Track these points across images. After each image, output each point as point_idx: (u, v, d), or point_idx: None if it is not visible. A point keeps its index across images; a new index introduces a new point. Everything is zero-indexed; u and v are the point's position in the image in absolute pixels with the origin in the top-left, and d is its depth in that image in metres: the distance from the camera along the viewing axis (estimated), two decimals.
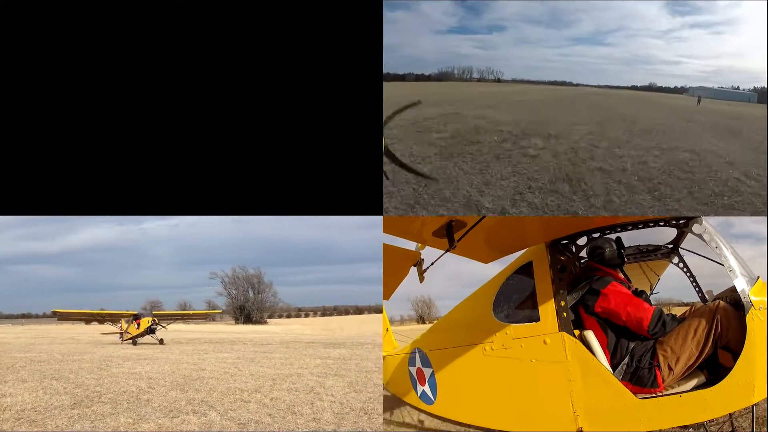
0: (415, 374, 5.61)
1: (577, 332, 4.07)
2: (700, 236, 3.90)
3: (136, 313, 20.66)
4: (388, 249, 5.20)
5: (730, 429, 4.17)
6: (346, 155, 5.26)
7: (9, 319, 70.66)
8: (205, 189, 5.27)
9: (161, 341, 19.21)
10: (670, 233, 5.06)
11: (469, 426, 4.94)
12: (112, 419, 6.07)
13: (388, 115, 5.26)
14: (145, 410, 6.55)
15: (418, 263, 5.34)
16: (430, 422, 5.88)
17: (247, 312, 56.01)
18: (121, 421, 5.99)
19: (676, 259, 5.24)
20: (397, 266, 5.39)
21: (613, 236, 4.35)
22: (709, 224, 3.92)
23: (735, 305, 3.66)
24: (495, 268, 4.93)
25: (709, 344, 3.68)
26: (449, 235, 4.20)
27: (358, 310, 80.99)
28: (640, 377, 3.84)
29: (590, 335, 4.02)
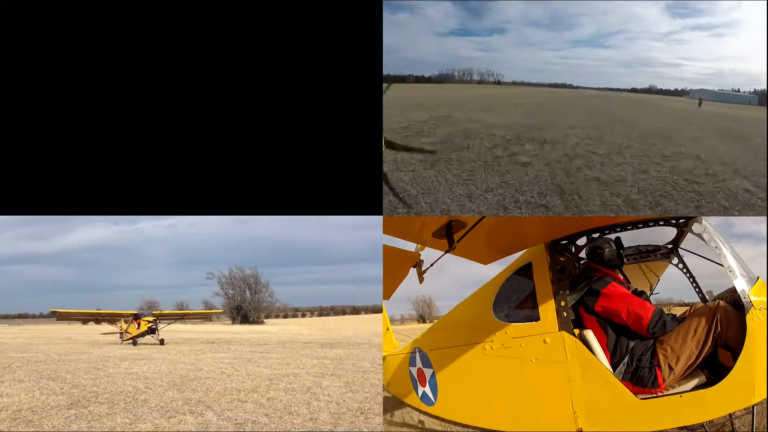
0: (415, 375, 5.60)
1: (577, 332, 4.07)
2: (699, 236, 3.90)
3: (136, 312, 20.44)
4: (387, 250, 5.20)
5: (730, 429, 4.16)
6: (345, 155, 5.25)
7: (5, 319, 70.42)
8: (205, 189, 5.26)
9: (162, 341, 19.01)
10: (670, 233, 5.07)
11: (469, 427, 4.93)
12: (108, 419, 6.05)
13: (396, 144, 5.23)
14: (142, 410, 6.53)
15: (418, 264, 5.34)
16: (430, 423, 5.87)
17: (243, 312, 55.94)
18: (118, 421, 5.97)
19: (675, 260, 5.24)
20: (396, 267, 5.39)
21: (612, 236, 4.34)
22: (708, 224, 3.91)
23: (735, 305, 3.66)
24: (495, 269, 4.93)
25: (709, 343, 3.68)
26: (449, 236, 4.20)
27: (355, 310, 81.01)
28: (641, 377, 3.83)
29: (590, 335, 4.02)
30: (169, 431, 5.60)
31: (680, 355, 3.73)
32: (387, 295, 5.88)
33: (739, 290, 3.58)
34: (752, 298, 3.53)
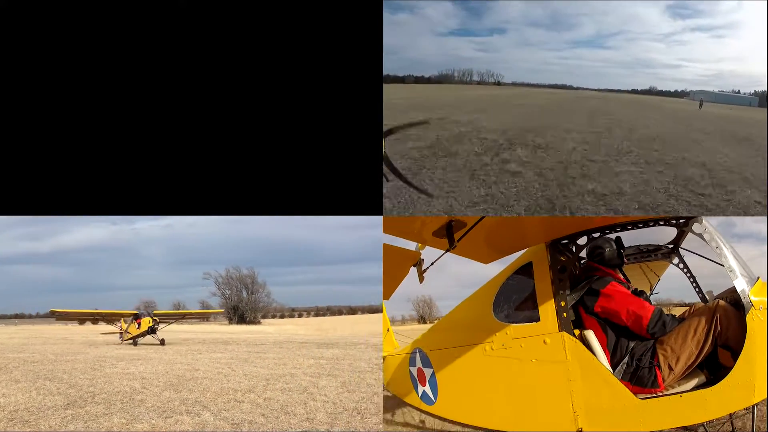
0: (415, 374, 5.59)
1: (577, 332, 4.06)
2: (700, 236, 3.90)
3: (136, 312, 20.29)
4: (388, 249, 5.18)
5: (730, 429, 4.15)
6: (345, 155, 5.24)
7: (2, 319, 70.23)
8: (204, 189, 5.25)
9: (162, 341, 18.86)
10: (670, 233, 5.07)
11: (469, 426, 4.92)
12: (105, 420, 6.03)
13: (392, 127, 5.23)
14: (139, 410, 6.50)
15: (418, 263, 5.32)
16: (431, 422, 5.86)
17: (240, 312, 55.85)
18: (115, 421, 5.95)
19: (676, 260, 5.23)
20: (397, 266, 5.37)
21: (613, 236, 4.34)
22: (709, 224, 3.91)
23: (735, 305, 3.66)
24: (495, 269, 4.92)
25: (709, 342, 3.68)
26: (449, 235, 4.18)
27: (352, 311, 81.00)
28: (641, 377, 3.82)
29: (590, 335, 4.01)
30: (165, 431, 5.58)
31: (680, 355, 3.73)
32: (387, 294, 5.87)
33: (739, 290, 3.58)
34: (752, 298, 3.53)
